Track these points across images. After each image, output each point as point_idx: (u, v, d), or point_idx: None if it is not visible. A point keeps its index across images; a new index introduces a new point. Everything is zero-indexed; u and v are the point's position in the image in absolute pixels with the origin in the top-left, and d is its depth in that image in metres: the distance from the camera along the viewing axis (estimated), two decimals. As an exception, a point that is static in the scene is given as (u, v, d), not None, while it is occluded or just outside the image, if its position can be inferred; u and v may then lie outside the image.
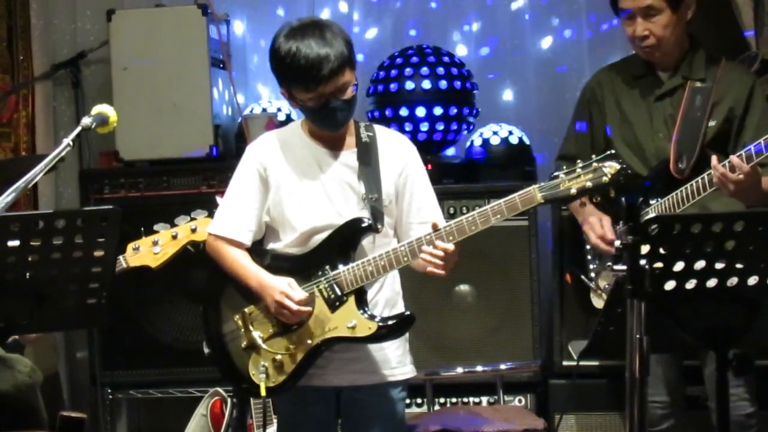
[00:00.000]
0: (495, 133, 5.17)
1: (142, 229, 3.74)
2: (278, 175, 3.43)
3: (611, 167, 3.17)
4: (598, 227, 4.15)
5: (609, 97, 4.30)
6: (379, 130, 3.52)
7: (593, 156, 3.22)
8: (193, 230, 3.74)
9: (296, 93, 3.34)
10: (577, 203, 4.06)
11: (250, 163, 3.47)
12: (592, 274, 4.29)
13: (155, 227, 3.75)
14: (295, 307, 3.31)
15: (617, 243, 2.84)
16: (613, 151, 3.23)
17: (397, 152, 3.48)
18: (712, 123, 4.10)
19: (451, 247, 3.26)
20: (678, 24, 4.12)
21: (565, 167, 3.24)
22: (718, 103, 4.11)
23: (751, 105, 4.11)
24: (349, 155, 3.44)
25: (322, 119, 3.38)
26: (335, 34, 3.31)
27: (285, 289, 3.32)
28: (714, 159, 3.89)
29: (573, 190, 3.20)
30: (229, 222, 3.44)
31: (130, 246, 3.72)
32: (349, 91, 3.34)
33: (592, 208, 4.15)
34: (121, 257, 3.67)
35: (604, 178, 3.17)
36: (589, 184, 3.19)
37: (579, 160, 3.23)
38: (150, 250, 3.73)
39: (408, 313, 3.41)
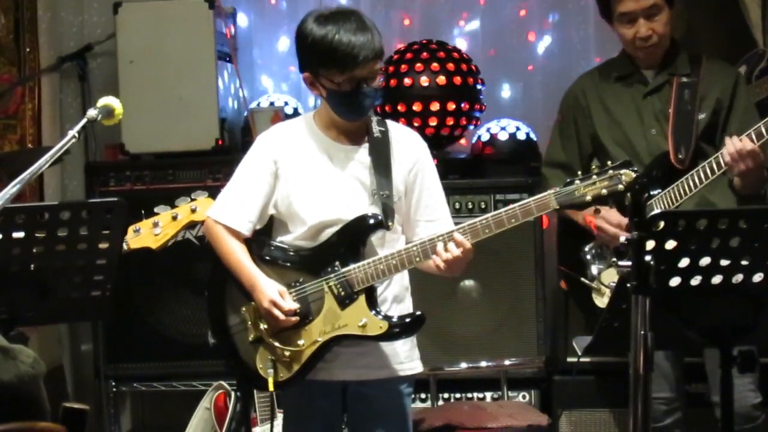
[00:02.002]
0: (503, 128, 5.15)
1: (143, 212, 3.73)
2: (289, 167, 3.40)
3: (627, 175, 3.17)
4: (612, 217, 4.13)
5: (594, 101, 4.32)
6: (392, 125, 3.50)
7: (608, 162, 3.22)
8: (193, 210, 3.71)
9: (328, 75, 3.30)
10: None
11: (261, 153, 3.44)
12: (595, 273, 4.28)
13: (156, 209, 3.74)
14: (282, 317, 3.31)
15: (622, 239, 2.84)
16: (627, 159, 3.23)
17: (409, 148, 3.46)
18: (701, 116, 4.16)
19: (468, 244, 3.25)
20: (670, 21, 4.19)
21: (581, 173, 3.23)
22: (705, 97, 4.18)
23: (735, 97, 4.18)
24: (361, 150, 3.42)
25: (349, 104, 3.34)
26: (371, 23, 3.33)
27: (275, 297, 3.31)
28: (727, 139, 3.94)
29: (588, 197, 3.20)
30: (231, 210, 3.41)
31: (131, 228, 3.71)
32: (378, 79, 3.34)
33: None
34: None
35: (620, 186, 3.17)
36: (604, 191, 3.18)
37: (594, 167, 3.23)
38: (150, 232, 3.71)
39: (419, 313, 3.39)
